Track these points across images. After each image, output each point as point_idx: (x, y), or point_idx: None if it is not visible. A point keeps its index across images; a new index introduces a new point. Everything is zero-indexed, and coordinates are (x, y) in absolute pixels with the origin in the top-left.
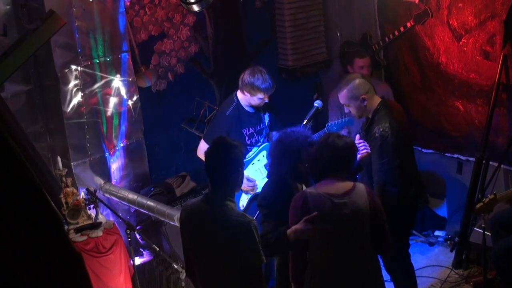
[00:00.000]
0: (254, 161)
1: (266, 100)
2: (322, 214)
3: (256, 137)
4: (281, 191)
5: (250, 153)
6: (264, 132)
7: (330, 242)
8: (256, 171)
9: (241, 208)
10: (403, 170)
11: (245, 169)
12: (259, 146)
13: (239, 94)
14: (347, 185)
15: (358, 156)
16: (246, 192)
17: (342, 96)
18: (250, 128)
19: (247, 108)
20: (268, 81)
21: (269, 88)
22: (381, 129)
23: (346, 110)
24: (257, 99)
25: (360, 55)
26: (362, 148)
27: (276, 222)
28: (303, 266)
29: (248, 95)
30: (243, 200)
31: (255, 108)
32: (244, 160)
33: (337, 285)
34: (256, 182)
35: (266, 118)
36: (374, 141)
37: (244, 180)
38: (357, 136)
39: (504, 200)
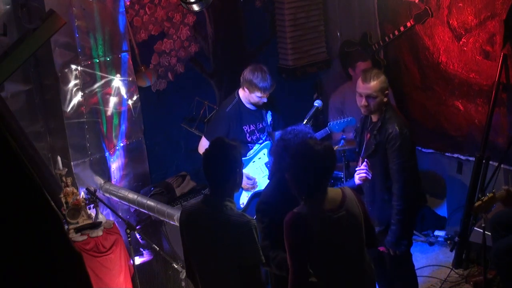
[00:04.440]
0: (255, 159)
1: (265, 99)
2: (326, 232)
3: (257, 135)
4: (282, 195)
5: (251, 151)
6: (266, 131)
7: (334, 259)
8: (257, 169)
9: (241, 206)
10: (417, 169)
11: (246, 166)
12: (260, 144)
13: (241, 91)
14: (337, 193)
15: (357, 180)
16: (247, 190)
17: (374, 86)
18: (251, 125)
19: (248, 105)
20: (268, 80)
21: (267, 87)
22: (398, 128)
23: (362, 103)
24: (255, 96)
25: (363, 59)
26: (363, 173)
27: (275, 234)
28: (306, 283)
29: (247, 91)
30: (243, 198)
31: (257, 106)
32: (245, 158)
33: None
34: (256, 179)
35: (269, 117)
36: (393, 140)
37: (244, 178)
38: (364, 164)
39: (502, 200)
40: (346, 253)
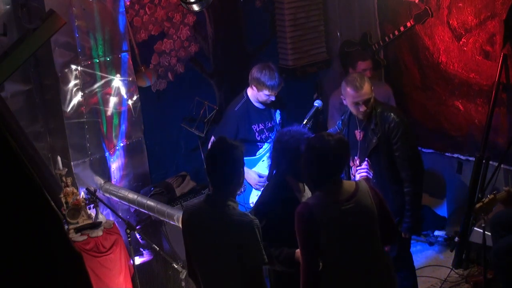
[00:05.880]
0: (264, 158)
1: (273, 97)
2: (332, 224)
3: (267, 134)
4: (280, 196)
5: (261, 150)
6: (275, 130)
7: (342, 251)
8: (266, 168)
9: (251, 206)
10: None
11: (256, 166)
12: (270, 143)
13: (249, 90)
14: (351, 186)
15: (358, 179)
16: (257, 189)
17: (368, 89)
18: (260, 124)
19: (256, 105)
20: (275, 78)
21: (275, 85)
22: (396, 117)
23: (361, 110)
24: (263, 95)
25: (363, 58)
26: (364, 172)
27: (273, 235)
28: (315, 279)
29: (256, 90)
30: (253, 198)
31: (265, 104)
32: (255, 157)
33: None
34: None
35: (277, 116)
36: (395, 129)
37: (255, 176)
38: (364, 163)
39: (502, 201)
40: (356, 245)
